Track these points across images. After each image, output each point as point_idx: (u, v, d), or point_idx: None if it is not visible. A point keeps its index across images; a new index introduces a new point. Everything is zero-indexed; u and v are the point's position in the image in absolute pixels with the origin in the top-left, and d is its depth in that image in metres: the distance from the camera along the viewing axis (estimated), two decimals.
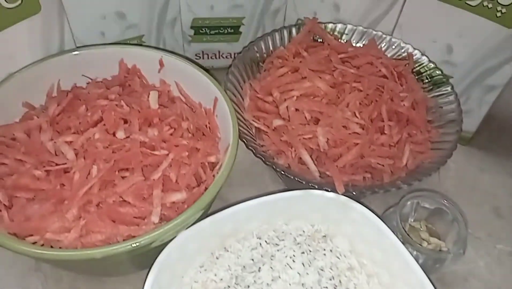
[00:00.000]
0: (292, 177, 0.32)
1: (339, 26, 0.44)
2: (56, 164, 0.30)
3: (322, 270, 0.33)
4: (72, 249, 0.27)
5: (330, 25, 0.44)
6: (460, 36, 0.40)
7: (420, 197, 0.34)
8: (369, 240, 0.32)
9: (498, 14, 0.36)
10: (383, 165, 0.33)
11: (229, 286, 0.31)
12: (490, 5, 0.36)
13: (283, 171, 0.32)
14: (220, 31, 0.47)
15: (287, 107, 0.36)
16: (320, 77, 0.37)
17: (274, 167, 0.32)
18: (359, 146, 0.33)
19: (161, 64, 0.37)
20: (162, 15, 0.44)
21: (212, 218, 0.31)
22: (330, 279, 0.33)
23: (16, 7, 0.33)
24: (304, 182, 0.32)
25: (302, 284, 0.32)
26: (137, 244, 0.26)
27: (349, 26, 0.44)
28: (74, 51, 0.37)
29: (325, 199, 0.32)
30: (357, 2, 0.43)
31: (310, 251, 0.33)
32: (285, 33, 0.43)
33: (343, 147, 0.33)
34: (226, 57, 0.50)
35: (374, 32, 0.43)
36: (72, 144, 0.31)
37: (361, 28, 0.44)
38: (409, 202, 0.34)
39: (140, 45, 0.43)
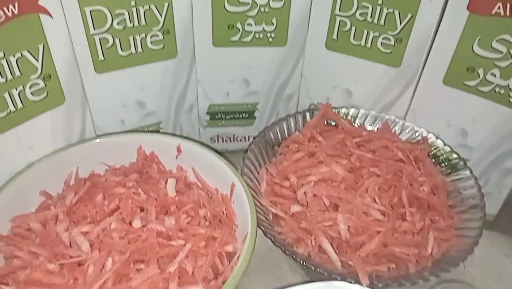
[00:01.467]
0: (313, 268, 0.30)
1: (352, 110, 0.45)
2: (70, 257, 0.29)
3: None
4: None
5: (343, 110, 0.45)
6: (475, 121, 0.40)
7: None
8: None
9: (511, 100, 0.37)
10: (407, 255, 0.32)
11: None
12: (502, 91, 0.37)
13: (304, 261, 0.31)
14: (235, 116, 0.49)
15: (305, 192, 0.35)
16: (337, 162, 0.37)
17: (293, 256, 0.31)
18: (382, 234, 0.32)
19: (179, 150, 0.38)
20: (180, 102, 0.45)
21: None
22: None
23: (42, 100, 0.34)
24: (325, 273, 0.30)
25: None
26: None
27: (362, 111, 0.45)
28: (94, 140, 0.38)
29: None
30: (369, 87, 0.44)
31: None
32: (299, 118, 0.44)
33: (365, 235, 0.32)
34: (241, 140, 0.51)
35: (387, 117, 0.44)
36: (88, 235, 0.31)
37: (374, 112, 0.44)
38: None
39: (158, 132, 0.44)
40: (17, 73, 0.31)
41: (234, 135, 0.50)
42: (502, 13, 0.34)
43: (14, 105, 0.32)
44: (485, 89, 0.38)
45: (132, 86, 0.41)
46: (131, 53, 0.39)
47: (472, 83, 0.38)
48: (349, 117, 0.45)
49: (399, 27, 0.39)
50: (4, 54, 0.30)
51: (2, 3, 0.28)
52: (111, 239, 0.30)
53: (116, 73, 0.40)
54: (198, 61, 0.43)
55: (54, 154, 0.36)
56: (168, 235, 0.31)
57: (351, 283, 0.30)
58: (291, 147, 0.40)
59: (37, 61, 0.32)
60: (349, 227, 0.32)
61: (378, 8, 0.39)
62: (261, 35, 0.43)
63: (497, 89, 0.37)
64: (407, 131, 0.43)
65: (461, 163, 0.40)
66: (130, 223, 0.32)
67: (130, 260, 0.29)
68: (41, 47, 0.32)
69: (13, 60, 0.31)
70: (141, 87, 0.42)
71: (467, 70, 0.38)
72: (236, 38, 0.42)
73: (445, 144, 0.41)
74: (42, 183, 0.35)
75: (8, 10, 0.29)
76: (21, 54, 0.31)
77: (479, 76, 0.37)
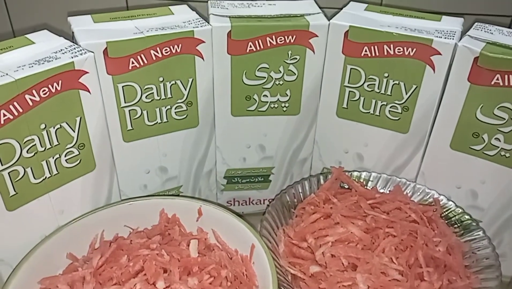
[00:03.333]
0: None
1: (364, 174, 0.47)
2: None
3: None
4: None
5: (355, 173, 0.47)
6: (483, 183, 0.41)
7: None
8: None
9: None
10: None
11: None
12: (507, 155, 0.39)
13: None
14: (251, 179, 0.51)
15: (323, 253, 0.36)
16: (353, 223, 0.38)
17: None
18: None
19: (200, 213, 0.40)
20: (199, 168, 0.47)
21: None
22: None
23: (75, 166, 0.37)
24: None
25: None
26: None
27: (373, 174, 0.47)
28: (119, 204, 0.40)
29: None
30: (379, 152, 0.46)
31: None
32: (314, 181, 0.46)
33: None
34: (256, 203, 0.52)
35: (398, 179, 0.46)
36: None
37: (385, 175, 0.46)
38: None
39: (178, 195, 0.46)
40: (55, 142, 0.34)
41: (250, 198, 0.52)
42: (501, 84, 0.37)
43: (49, 172, 0.35)
44: (491, 153, 0.40)
45: (156, 153, 0.44)
46: (157, 122, 0.42)
47: (478, 147, 0.40)
48: (361, 180, 0.47)
49: (405, 96, 0.42)
50: (46, 125, 0.33)
51: (47, 82, 0.32)
52: None
53: (142, 142, 0.42)
54: (218, 129, 0.46)
55: (82, 218, 0.38)
56: None
57: None
58: (307, 209, 0.42)
59: (74, 131, 0.35)
60: (368, 287, 0.33)
61: (385, 80, 0.42)
62: (276, 105, 0.46)
63: (502, 153, 0.39)
64: (418, 193, 0.45)
65: (474, 224, 0.41)
66: (154, 284, 0.33)
67: None
68: (78, 119, 0.35)
69: (52, 131, 0.34)
70: (164, 153, 0.44)
71: (472, 135, 0.40)
72: (253, 108, 0.46)
73: (456, 206, 0.42)
74: (69, 246, 0.37)
75: (53, 87, 0.32)
76: (60, 126, 0.34)
77: (484, 141, 0.40)
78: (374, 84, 0.43)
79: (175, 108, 0.42)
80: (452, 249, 0.38)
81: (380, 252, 0.35)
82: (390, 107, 0.43)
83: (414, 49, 0.40)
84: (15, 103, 0.30)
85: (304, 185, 0.45)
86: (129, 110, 0.40)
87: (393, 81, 0.42)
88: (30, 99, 0.31)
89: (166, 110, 0.42)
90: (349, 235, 0.37)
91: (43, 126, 0.33)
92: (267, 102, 0.45)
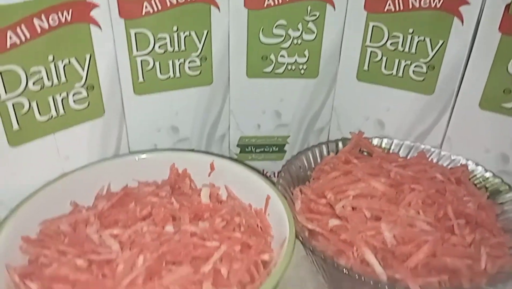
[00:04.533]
0: (357, 276, 0.28)
1: (385, 140, 0.44)
2: (100, 254, 0.28)
3: None
4: None
5: (375, 140, 0.44)
6: None
7: None
8: None
9: None
10: (460, 267, 0.29)
11: None
12: None
13: (347, 270, 0.28)
14: (265, 149, 0.48)
15: (343, 206, 0.34)
16: (376, 179, 0.35)
17: (335, 265, 0.29)
18: (431, 242, 0.29)
19: (212, 167, 0.37)
20: (212, 131, 0.45)
21: None
22: None
23: (83, 109, 0.35)
24: (371, 282, 0.28)
25: None
26: None
27: (395, 141, 0.44)
28: (128, 156, 0.38)
29: None
30: (402, 117, 0.44)
31: None
32: (332, 145, 0.44)
33: (413, 245, 0.30)
34: (270, 175, 0.50)
35: (422, 146, 0.43)
36: (119, 237, 0.29)
37: (408, 142, 0.44)
38: None
39: (191, 150, 0.44)
40: (63, 79, 0.33)
41: (263, 170, 0.50)
42: None
43: (56, 111, 0.33)
44: (508, 105, 0.37)
45: (168, 110, 0.42)
46: (169, 77, 0.40)
47: (509, 105, 0.38)
48: (382, 147, 0.44)
49: (431, 54, 0.40)
50: (54, 58, 0.32)
51: (57, 8, 0.30)
52: (142, 239, 0.29)
53: (153, 96, 0.41)
54: (232, 91, 0.44)
55: (88, 167, 0.36)
56: (202, 237, 0.29)
57: None
58: (325, 169, 0.39)
59: (83, 70, 0.33)
60: (394, 236, 0.30)
61: (409, 36, 0.40)
62: (293, 67, 0.44)
63: None
64: (444, 159, 0.42)
65: (506, 187, 0.38)
66: (163, 228, 0.30)
67: (162, 259, 0.27)
68: (88, 56, 0.34)
69: (60, 65, 0.32)
70: (176, 112, 0.43)
71: (504, 91, 0.38)
72: (269, 69, 0.44)
73: (486, 170, 0.40)
74: (73, 194, 0.35)
75: (62, 16, 0.31)
76: (69, 61, 0.33)
77: None
78: (398, 42, 0.41)
79: (189, 63, 0.41)
80: (484, 208, 0.35)
81: (406, 205, 0.33)
82: (415, 67, 0.41)
83: (441, 0, 0.38)
84: (23, 26, 0.29)
85: (322, 149, 0.43)
86: (141, 60, 0.39)
87: (418, 37, 0.40)
88: (39, 25, 0.30)
89: (179, 64, 0.40)
90: (372, 190, 0.34)
91: (51, 57, 0.31)
92: (284, 63, 0.44)
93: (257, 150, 0.48)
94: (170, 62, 0.40)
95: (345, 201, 0.34)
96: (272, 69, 0.44)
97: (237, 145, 0.48)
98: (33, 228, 0.31)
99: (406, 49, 0.41)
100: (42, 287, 0.26)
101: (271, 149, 0.48)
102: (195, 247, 0.28)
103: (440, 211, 0.32)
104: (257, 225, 0.33)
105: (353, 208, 0.33)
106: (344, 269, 0.28)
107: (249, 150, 0.48)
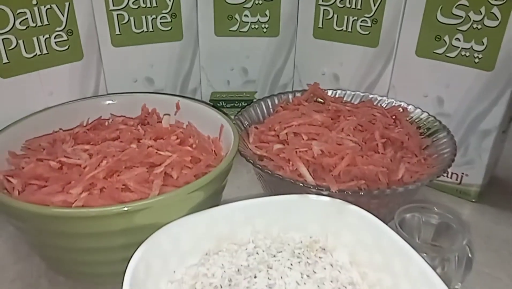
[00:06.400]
0: (290, 181, 0.33)
1: (338, 92, 0.49)
2: (71, 159, 0.33)
3: (323, 283, 0.31)
4: (67, 208, 0.28)
5: (330, 92, 0.49)
6: (448, 87, 0.43)
7: (419, 209, 0.34)
8: (368, 243, 0.31)
9: (476, 60, 0.41)
10: (378, 177, 0.34)
11: (221, 286, 0.30)
12: (467, 54, 0.41)
13: (281, 176, 0.33)
14: (235, 104, 0.54)
15: (286, 133, 0.39)
16: (318, 113, 0.40)
17: (270, 172, 0.34)
18: (351, 153, 0.34)
19: (178, 107, 0.43)
20: (185, 84, 0.51)
21: (206, 213, 0.31)
22: None
23: (63, 51, 0.40)
24: (302, 185, 0.33)
25: None
26: (130, 207, 0.27)
27: (348, 92, 0.49)
28: (105, 96, 0.43)
29: (321, 204, 0.33)
30: (353, 70, 0.49)
31: (309, 263, 0.32)
32: (291, 95, 0.49)
33: (337, 157, 0.35)
34: None
35: (371, 96, 0.48)
36: (88, 151, 0.35)
37: (359, 92, 0.49)
38: (408, 215, 0.34)
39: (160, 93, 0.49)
40: (45, 22, 0.38)
41: None
42: None
43: (40, 50, 0.39)
44: (453, 54, 0.42)
45: (143, 62, 0.48)
46: (143, 31, 0.46)
47: (440, 50, 0.42)
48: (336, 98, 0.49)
49: (373, 8, 0.45)
50: (37, 2, 0.37)
51: None
52: (108, 150, 0.34)
53: (129, 48, 0.46)
54: (202, 48, 0.50)
55: (69, 103, 0.41)
56: (158, 149, 0.34)
57: (324, 195, 0.33)
58: (278, 110, 0.44)
59: (63, 15, 0.39)
60: (322, 151, 0.35)
61: None
62: (256, 26, 0.49)
63: (462, 53, 0.41)
64: (389, 105, 0.47)
65: (437, 123, 0.42)
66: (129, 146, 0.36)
67: (122, 163, 0.32)
68: (67, 4, 0.39)
69: (43, 9, 0.38)
70: (151, 64, 0.48)
71: (435, 38, 0.42)
72: (234, 28, 0.49)
73: (422, 112, 0.44)
74: (55, 126, 0.40)
75: None
76: (50, 6, 0.38)
77: (446, 43, 0.42)
78: None
79: (160, 18, 0.46)
80: (411, 136, 0.39)
81: (339, 131, 0.38)
82: (361, 22, 0.46)
83: None
84: None
85: (281, 97, 0.48)
86: (117, 14, 0.44)
87: None
88: None
89: (152, 19, 0.46)
90: (313, 120, 0.39)
91: (34, 1, 0.37)
92: (248, 22, 0.49)
93: (228, 105, 0.54)
94: (144, 18, 0.46)
95: (288, 129, 0.39)
96: (238, 28, 0.49)
97: (210, 100, 0.53)
98: (18, 146, 0.37)
99: (353, 5, 0.46)
100: (21, 182, 0.31)
101: (240, 104, 0.54)
102: (151, 155, 0.33)
103: (368, 134, 0.37)
104: (212, 150, 0.38)
105: (295, 134, 0.38)
106: (280, 176, 0.33)
107: (221, 105, 0.54)
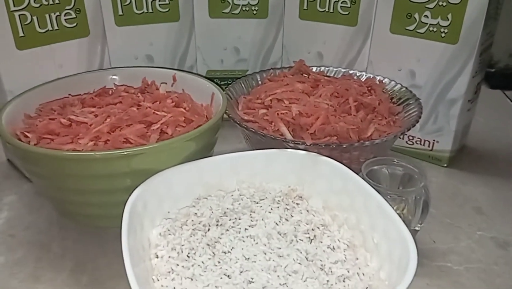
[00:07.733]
0: (271, 137, 0.38)
1: (322, 68, 0.54)
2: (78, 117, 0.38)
3: (298, 225, 0.36)
4: (77, 151, 0.33)
5: (315, 68, 0.54)
6: (419, 61, 0.48)
7: (386, 161, 0.38)
8: (338, 189, 0.36)
9: (443, 34, 0.45)
10: (350, 135, 0.39)
11: (209, 224, 0.35)
12: (434, 29, 0.46)
13: (263, 134, 0.38)
14: (228, 82, 0.58)
15: (270, 100, 0.43)
16: (300, 83, 0.45)
17: (253, 130, 0.39)
18: (325, 112, 0.39)
19: (174, 79, 0.47)
20: (181, 62, 0.55)
21: (197, 162, 0.36)
22: (305, 233, 0.35)
23: (72, 28, 0.45)
24: (281, 140, 0.37)
25: (278, 232, 0.35)
26: (129, 151, 0.32)
27: (331, 68, 0.54)
28: (109, 69, 0.48)
29: (298, 156, 0.37)
30: (335, 48, 0.53)
31: (287, 209, 0.37)
32: (279, 71, 0.53)
33: (313, 117, 0.39)
34: None
35: (352, 71, 0.53)
36: (94, 113, 0.40)
37: (340, 68, 0.53)
38: (376, 167, 0.38)
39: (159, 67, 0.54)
40: (56, 0, 0.43)
41: None
42: None
43: (51, 26, 0.44)
44: (422, 30, 0.46)
45: (143, 41, 0.52)
46: (143, 12, 0.51)
47: (411, 27, 0.47)
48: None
49: None
50: None
51: None
52: (111, 110, 0.39)
53: (131, 28, 0.51)
54: (197, 29, 0.55)
55: (78, 75, 0.46)
56: (155, 109, 0.39)
57: (300, 149, 0.37)
58: (265, 82, 0.49)
59: None
60: (299, 112, 0.40)
61: None
62: (247, 8, 0.54)
63: (430, 28, 0.46)
64: (368, 79, 0.51)
65: (409, 92, 0.47)
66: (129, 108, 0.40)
67: (124, 120, 0.37)
68: None
69: None
70: (151, 43, 0.53)
71: (406, 16, 0.47)
72: (227, 10, 0.54)
73: (396, 84, 0.49)
74: (65, 94, 0.45)
75: None
76: None
77: (416, 20, 0.46)
78: None
79: (160, 1, 0.51)
80: (383, 102, 0.44)
81: (317, 96, 0.42)
82: (341, 3, 0.51)
83: None
84: None
85: (269, 72, 0.53)
86: None
87: None
88: None
89: (152, 1, 0.51)
90: (294, 88, 0.44)
91: None
92: (239, 5, 0.54)
93: (222, 83, 0.58)
94: (144, 0, 0.50)
95: (272, 96, 0.44)
96: (230, 10, 0.54)
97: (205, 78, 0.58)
98: (32, 110, 0.42)
99: None
100: (35, 137, 0.36)
101: (233, 82, 0.58)
102: (148, 114, 0.38)
103: (343, 100, 0.42)
104: (204, 114, 0.43)
105: (277, 100, 0.43)
106: (262, 134, 0.38)
107: (216, 83, 0.58)
